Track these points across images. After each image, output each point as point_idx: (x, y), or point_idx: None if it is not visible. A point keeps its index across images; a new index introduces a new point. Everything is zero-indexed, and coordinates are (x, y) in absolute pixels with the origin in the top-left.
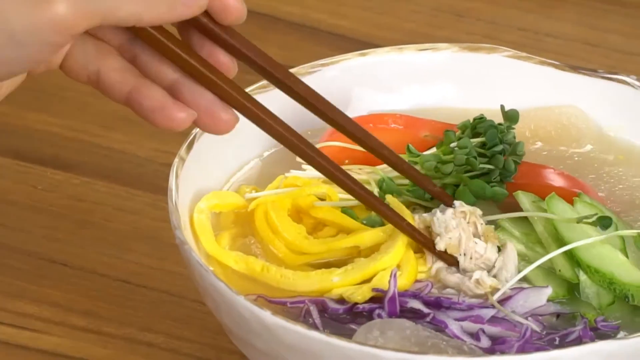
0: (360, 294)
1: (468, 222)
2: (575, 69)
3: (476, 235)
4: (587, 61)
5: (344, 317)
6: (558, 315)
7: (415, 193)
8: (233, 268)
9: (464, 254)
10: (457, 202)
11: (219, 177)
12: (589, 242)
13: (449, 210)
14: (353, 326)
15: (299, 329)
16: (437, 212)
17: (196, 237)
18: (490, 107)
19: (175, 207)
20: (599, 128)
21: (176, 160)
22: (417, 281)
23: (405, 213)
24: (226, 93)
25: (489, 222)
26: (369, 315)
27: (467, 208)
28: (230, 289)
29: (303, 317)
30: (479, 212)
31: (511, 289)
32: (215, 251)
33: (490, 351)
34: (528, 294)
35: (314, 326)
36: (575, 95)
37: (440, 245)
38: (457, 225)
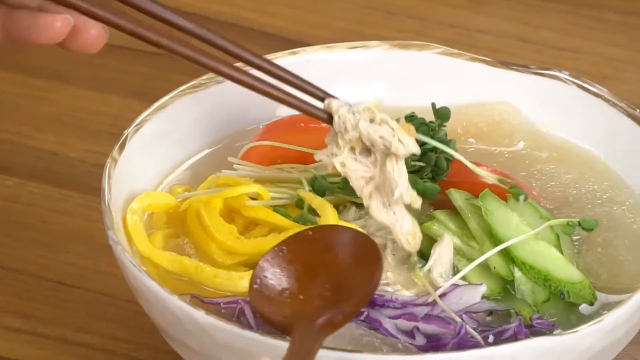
0: None
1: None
2: (506, 65)
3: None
4: (519, 57)
5: None
6: (491, 313)
7: (346, 190)
8: (167, 268)
9: (372, 145)
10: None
11: (152, 177)
12: (523, 238)
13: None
14: None
15: (233, 328)
16: (342, 109)
17: (129, 237)
18: (421, 105)
19: (108, 208)
20: (532, 124)
21: (108, 161)
22: None
23: (329, 211)
24: (90, 10)
25: (423, 218)
26: None
27: (367, 103)
28: (163, 289)
29: (237, 317)
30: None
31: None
32: (149, 252)
33: (425, 349)
34: (463, 291)
35: (247, 326)
36: (507, 91)
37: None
38: (355, 126)
